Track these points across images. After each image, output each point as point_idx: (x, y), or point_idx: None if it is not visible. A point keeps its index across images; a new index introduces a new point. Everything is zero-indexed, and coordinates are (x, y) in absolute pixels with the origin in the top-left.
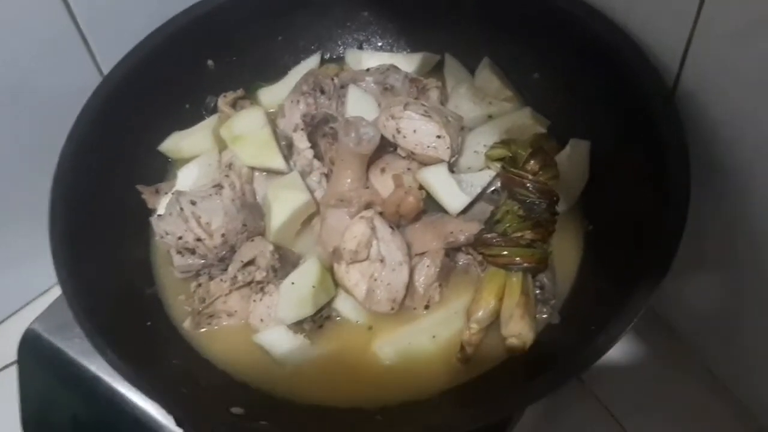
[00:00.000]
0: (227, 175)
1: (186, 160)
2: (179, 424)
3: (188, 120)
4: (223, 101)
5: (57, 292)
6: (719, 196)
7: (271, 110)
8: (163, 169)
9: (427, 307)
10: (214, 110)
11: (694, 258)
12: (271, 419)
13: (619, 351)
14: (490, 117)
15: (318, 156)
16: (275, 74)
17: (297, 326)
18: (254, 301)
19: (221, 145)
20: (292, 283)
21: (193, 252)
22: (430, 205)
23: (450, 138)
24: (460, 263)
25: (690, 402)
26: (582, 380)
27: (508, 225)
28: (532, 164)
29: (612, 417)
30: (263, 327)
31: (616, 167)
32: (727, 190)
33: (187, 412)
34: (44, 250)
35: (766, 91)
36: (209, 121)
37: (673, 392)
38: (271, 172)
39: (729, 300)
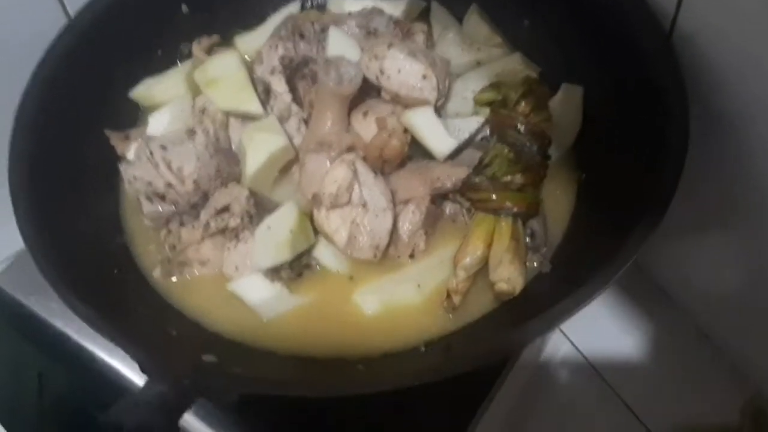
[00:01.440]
0: (201, 121)
1: (158, 108)
2: (143, 369)
3: (161, 67)
4: (197, 47)
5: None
6: (719, 143)
7: (248, 57)
8: (134, 117)
9: (411, 255)
10: (188, 57)
11: (691, 217)
12: (245, 367)
13: (614, 317)
14: (478, 63)
15: (297, 101)
16: (253, 21)
17: (274, 274)
18: (228, 249)
19: (195, 92)
20: (269, 227)
21: (163, 198)
22: (416, 151)
23: (437, 79)
24: (448, 211)
25: (686, 367)
26: (576, 347)
27: (497, 169)
28: (524, 105)
29: (605, 383)
30: (238, 275)
31: (611, 114)
32: (728, 137)
33: (152, 356)
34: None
35: (763, 30)
36: (183, 67)
37: (668, 358)
38: (248, 118)
39: (725, 263)
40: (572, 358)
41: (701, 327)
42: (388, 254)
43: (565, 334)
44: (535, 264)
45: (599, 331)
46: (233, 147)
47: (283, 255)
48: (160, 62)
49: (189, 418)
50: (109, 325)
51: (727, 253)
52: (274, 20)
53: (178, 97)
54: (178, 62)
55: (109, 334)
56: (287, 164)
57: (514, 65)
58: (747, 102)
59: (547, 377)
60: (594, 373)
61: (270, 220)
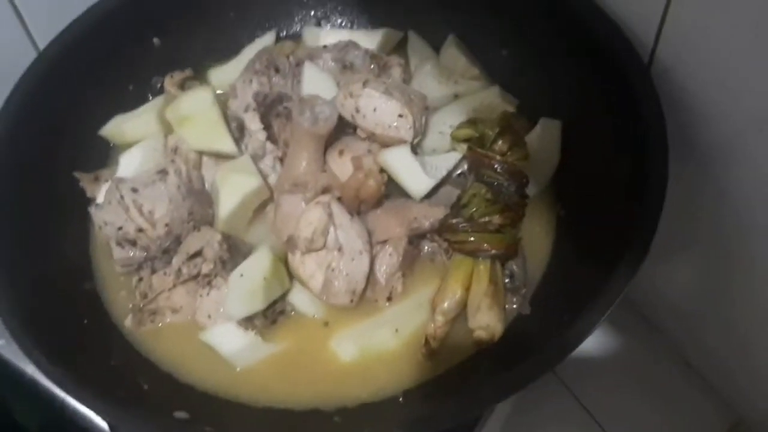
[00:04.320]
0: (173, 160)
1: (129, 145)
2: (113, 430)
3: (132, 103)
4: (169, 81)
5: None
6: (699, 176)
7: (222, 91)
8: (104, 155)
9: (389, 299)
10: (160, 92)
11: (672, 243)
12: (217, 423)
13: (594, 341)
14: (456, 96)
15: (271, 139)
16: (227, 53)
17: (248, 322)
18: (201, 296)
19: (167, 129)
20: (241, 275)
21: (134, 243)
22: (393, 189)
23: (413, 117)
24: (425, 251)
25: (667, 393)
26: (554, 372)
27: (474, 209)
28: (500, 144)
29: (584, 409)
30: (211, 324)
31: (590, 148)
32: (707, 170)
33: (120, 418)
34: None
35: (743, 64)
36: (154, 103)
37: (649, 383)
38: (221, 157)
39: (704, 287)
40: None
41: (682, 352)
42: (365, 298)
43: None
44: (514, 305)
45: (577, 355)
46: (206, 186)
47: (257, 304)
48: (131, 97)
49: None
50: (75, 385)
51: (705, 278)
52: (249, 52)
53: (150, 135)
54: (150, 97)
55: (76, 394)
56: (262, 204)
57: (492, 99)
58: (725, 133)
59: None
60: (572, 398)
61: (243, 267)
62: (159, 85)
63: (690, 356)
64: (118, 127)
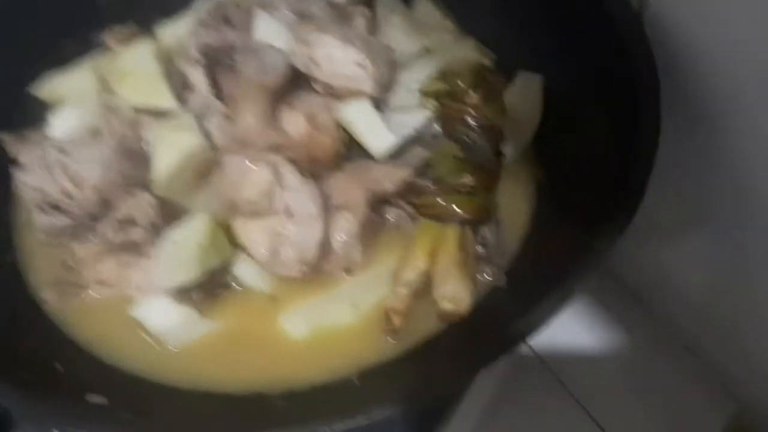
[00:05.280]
0: (108, 120)
1: (63, 104)
2: (10, 418)
3: (69, 59)
4: (110, 37)
5: None
6: (692, 134)
7: (170, 47)
8: (35, 115)
9: (348, 270)
10: (101, 48)
11: (666, 220)
12: (140, 408)
13: (589, 328)
14: (427, 51)
15: (220, 96)
16: (176, 7)
17: (184, 296)
18: (130, 265)
19: (105, 87)
20: (174, 242)
21: (58, 208)
22: (355, 151)
23: (374, 67)
24: (390, 218)
25: (666, 383)
26: (546, 364)
27: (443, 169)
28: (473, 96)
29: (577, 403)
30: (141, 297)
31: (574, 105)
32: (703, 128)
33: (18, 402)
34: None
35: (740, 9)
36: (92, 60)
37: (647, 372)
38: (162, 116)
39: (703, 270)
40: (539, 372)
41: (683, 339)
42: (318, 269)
43: (532, 349)
44: (488, 277)
45: (571, 344)
46: (145, 148)
47: (190, 272)
48: (68, 53)
49: None
50: None
51: (705, 259)
52: (200, 5)
53: (86, 94)
54: (90, 53)
55: None
56: (207, 168)
57: (466, 53)
58: (722, 87)
59: (511, 394)
60: (562, 387)
61: (175, 233)
62: (100, 42)
63: (692, 343)
64: (52, 85)
